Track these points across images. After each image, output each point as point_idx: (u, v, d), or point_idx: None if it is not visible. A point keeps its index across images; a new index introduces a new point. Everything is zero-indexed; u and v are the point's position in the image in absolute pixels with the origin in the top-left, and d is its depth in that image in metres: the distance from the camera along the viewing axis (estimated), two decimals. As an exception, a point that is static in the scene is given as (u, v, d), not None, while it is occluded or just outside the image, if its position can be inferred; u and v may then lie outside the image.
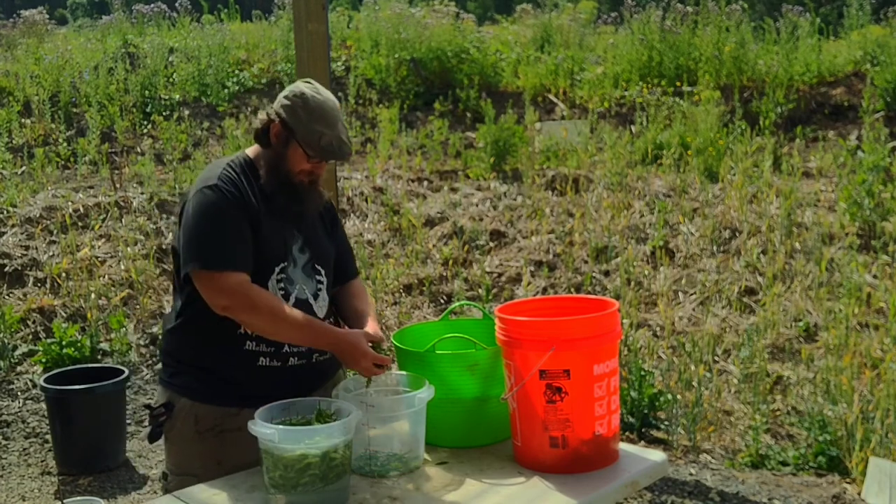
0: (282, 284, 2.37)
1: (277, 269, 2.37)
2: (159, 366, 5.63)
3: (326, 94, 2.39)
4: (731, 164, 7.64)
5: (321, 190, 2.49)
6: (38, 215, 6.67)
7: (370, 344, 2.32)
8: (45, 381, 4.44)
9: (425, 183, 8.11)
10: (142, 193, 7.17)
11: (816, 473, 4.19)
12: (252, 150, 2.49)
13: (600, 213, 7.13)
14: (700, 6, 10.28)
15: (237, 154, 2.50)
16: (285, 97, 2.37)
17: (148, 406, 2.49)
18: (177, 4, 11.98)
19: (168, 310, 6.08)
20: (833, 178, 7.43)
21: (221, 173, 2.35)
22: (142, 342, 5.84)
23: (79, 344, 5.37)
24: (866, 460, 4.02)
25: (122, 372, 4.53)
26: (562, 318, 2.34)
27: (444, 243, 6.98)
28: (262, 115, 2.43)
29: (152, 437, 2.44)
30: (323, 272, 2.49)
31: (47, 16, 12.29)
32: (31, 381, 5.32)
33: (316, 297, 2.44)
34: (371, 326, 2.44)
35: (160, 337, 5.81)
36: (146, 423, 2.59)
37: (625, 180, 7.60)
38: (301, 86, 2.39)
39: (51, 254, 6.34)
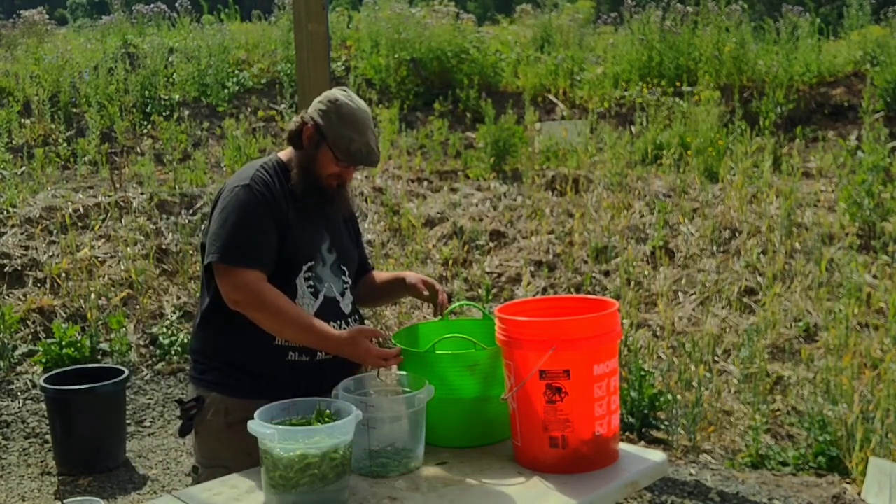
0: (311, 283, 2.46)
1: (305, 268, 2.45)
2: (158, 366, 5.66)
3: (359, 103, 2.48)
4: (731, 164, 7.64)
5: (349, 194, 2.60)
6: (38, 215, 6.67)
7: (373, 339, 2.38)
8: (45, 381, 4.44)
9: (425, 183, 8.11)
10: (142, 193, 7.17)
11: (816, 473, 4.19)
12: (284, 154, 2.57)
13: (600, 213, 7.13)
14: (700, 6, 10.27)
15: (269, 156, 2.58)
16: (320, 101, 2.47)
17: (179, 401, 2.57)
18: (177, 4, 11.97)
19: (168, 309, 6.08)
20: (833, 178, 7.43)
21: (255, 174, 2.44)
22: (142, 342, 5.84)
23: (79, 344, 5.37)
24: (866, 460, 4.02)
25: (122, 372, 4.54)
26: (562, 318, 2.34)
27: (444, 243, 6.98)
28: (296, 119, 2.52)
29: (183, 432, 2.52)
30: (347, 272, 2.59)
31: (47, 16, 12.29)
32: (31, 381, 5.32)
33: (343, 295, 2.54)
34: (411, 275, 2.66)
35: (159, 337, 5.81)
36: (178, 418, 2.67)
37: (625, 180, 7.60)
38: (336, 92, 2.49)
39: (51, 254, 6.34)
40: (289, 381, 2.37)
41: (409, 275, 2.69)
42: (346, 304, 2.54)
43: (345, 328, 2.50)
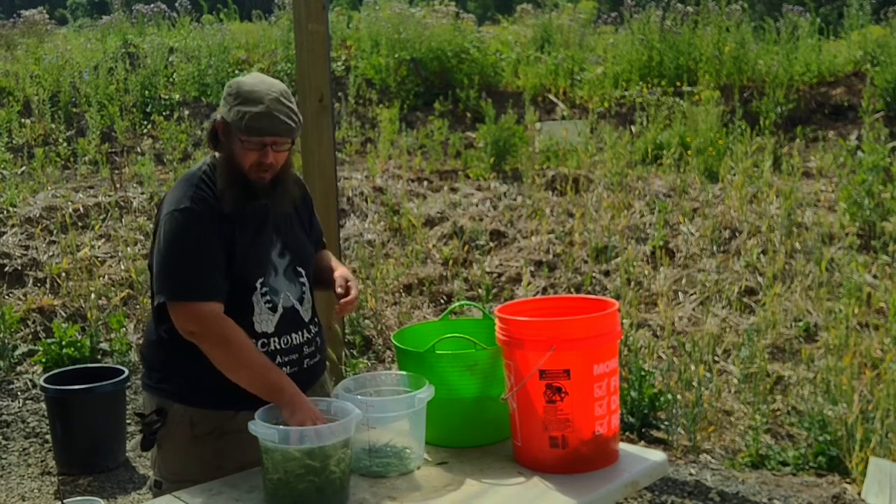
0: (267, 297, 2.33)
1: (259, 284, 2.32)
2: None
3: (260, 78, 2.30)
4: (731, 164, 7.64)
5: (289, 185, 2.39)
6: (38, 215, 6.67)
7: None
8: (45, 381, 4.44)
9: (425, 183, 8.11)
10: (142, 193, 7.17)
11: (816, 473, 4.19)
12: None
13: (600, 213, 7.13)
14: (700, 6, 10.28)
15: (206, 163, 2.40)
16: (224, 94, 2.31)
17: (139, 414, 2.42)
18: (177, 4, 11.98)
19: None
20: (833, 178, 7.43)
21: (195, 193, 2.28)
22: (142, 342, 5.84)
23: (79, 344, 5.37)
24: (866, 460, 4.02)
25: (122, 372, 4.53)
26: (562, 318, 2.34)
27: (444, 243, 6.98)
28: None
29: (145, 446, 2.39)
30: (304, 273, 2.45)
31: (47, 16, 12.30)
32: (31, 381, 5.32)
33: (301, 301, 2.41)
34: (340, 271, 2.52)
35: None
36: (138, 431, 2.54)
37: (625, 180, 7.60)
38: (236, 79, 2.34)
39: (51, 254, 6.34)
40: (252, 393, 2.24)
41: (340, 271, 2.52)
42: (305, 311, 2.41)
43: (307, 336, 2.41)
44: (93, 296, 5.96)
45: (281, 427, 2.04)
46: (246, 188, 2.29)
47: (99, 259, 6.40)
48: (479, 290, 6.24)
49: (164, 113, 9.17)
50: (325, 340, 2.60)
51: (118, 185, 7.35)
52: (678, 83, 9.50)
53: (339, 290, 2.44)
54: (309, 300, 2.45)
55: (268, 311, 2.32)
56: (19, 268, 6.15)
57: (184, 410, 2.33)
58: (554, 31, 11.73)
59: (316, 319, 2.49)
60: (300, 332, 2.39)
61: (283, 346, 2.35)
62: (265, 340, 2.32)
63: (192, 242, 2.23)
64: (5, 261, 6.16)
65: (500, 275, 6.55)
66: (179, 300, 2.21)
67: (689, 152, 7.95)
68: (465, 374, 2.36)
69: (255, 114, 2.20)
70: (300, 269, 2.43)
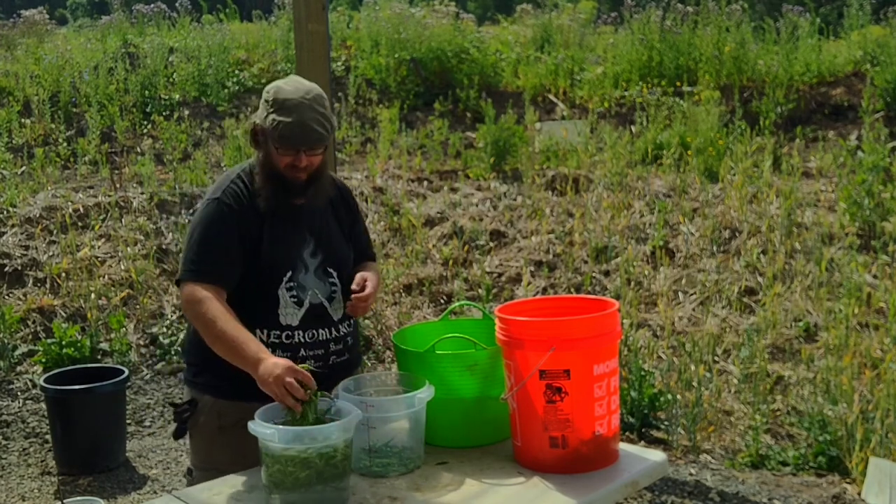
0: (293, 292, 2.42)
1: (286, 279, 2.41)
2: (158, 366, 5.66)
3: (296, 85, 2.37)
4: (731, 164, 7.64)
5: (325, 183, 2.49)
6: (38, 215, 6.67)
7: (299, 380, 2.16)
8: (45, 381, 4.44)
9: (425, 183, 8.11)
10: (142, 193, 7.17)
11: (816, 473, 4.19)
12: None
13: (600, 213, 7.13)
14: (700, 6, 10.27)
15: (250, 161, 2.53)
16: (262, 99, 2.41)
17: (173, 404, 2.58)
18: (177, 4, 11.97)
19: (168, 309, 6.08)
20: (833, 178, 7.42)
21: (228, 187, 2.42)
22: (142, 342, 5.84)
23: (79, 344, 5.37)
24: (866, 460, 4.02)
25: (122, 372, 4.54)
26: (562, 318, 2.34)
27: (444, 243, 6.98)
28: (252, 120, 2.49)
29: (177, 434, 2.52)
30: (335, 275, 2.51)
31: (47, 16, 12.28)
32: (31, 381, 5.33)
33: (331, 300, 2.49)
34: (371, 281, 2.48)
35: (159, 337, 5.82)
36: (172, 421, 2.67)
37: (625, 180, 7.60)
38: (275, 82, 2.42)
39: (51, 254, 6.34)
40: None
41: (363, 272, 2.55)
42: (335, 310, 2.49)
43: (335, 334, 2.48)
44: (93, 296, 5.97)
45: (280, 427, 2.04)
46: (282, 186, 2.40)
47: (99, 259, 6.40)
48: (479, 290, 6.24)
49: (164, 113, 9.17)
50: (358, 343, 2.66)
51: (118, 185, 7.35)
52: (678, 83, 9.50)
53: (354, 286, 2.49)
54: (340, 300, 2.51)
55: (293, 306, 2.42)
56: (19, 268, 6.15)
57: (213, 402, 2.45)
58: (554, 31, 11.73)
59: (350, 321, 2.56)
60: (328, 329, 2.47)
61: (307, 339, 2.44)
62: (289, 333, 2.42)
63: (209, 230, 2.37)
64: (5, 261, 6.16)
65: (500, 275, 6.56)
66: (181, 280, 2.37)
67: (689, 152, 7.94)
68: (465, 374, 2.36)
69: (287, 124, 2.30)
70: (331, 269, 2.51)
